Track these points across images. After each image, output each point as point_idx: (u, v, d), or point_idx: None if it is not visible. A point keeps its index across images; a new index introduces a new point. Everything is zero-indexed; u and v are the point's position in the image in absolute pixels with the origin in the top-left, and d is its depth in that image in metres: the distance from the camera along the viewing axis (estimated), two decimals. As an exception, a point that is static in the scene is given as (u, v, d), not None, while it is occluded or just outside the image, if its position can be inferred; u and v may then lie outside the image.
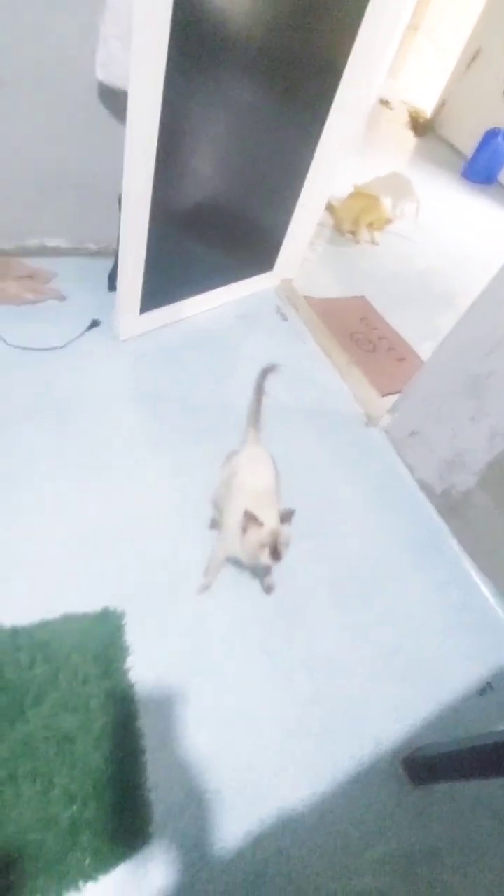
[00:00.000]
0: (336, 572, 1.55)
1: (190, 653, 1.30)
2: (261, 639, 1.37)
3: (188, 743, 1.18)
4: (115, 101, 1.82)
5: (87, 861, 1.01)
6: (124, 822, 1.06)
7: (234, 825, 1.10)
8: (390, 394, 2.11)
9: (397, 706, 1.34)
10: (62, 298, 2.03)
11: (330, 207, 3.20)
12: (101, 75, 1.71)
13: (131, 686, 1.21)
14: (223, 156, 1.84)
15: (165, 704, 1.21)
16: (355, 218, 3.23)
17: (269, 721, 1.25)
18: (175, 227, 1.84)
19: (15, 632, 1.22)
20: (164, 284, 1.95)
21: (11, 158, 1.86)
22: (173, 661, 1.28)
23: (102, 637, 1.27)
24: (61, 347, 1.84)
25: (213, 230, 2.05)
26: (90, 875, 1.00)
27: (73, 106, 1.82)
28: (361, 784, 1.20)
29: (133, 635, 1.28)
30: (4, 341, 1.78)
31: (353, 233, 3.26)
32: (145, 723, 1.17)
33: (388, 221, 3.32)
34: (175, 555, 1.46)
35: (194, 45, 1.41)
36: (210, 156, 1.80)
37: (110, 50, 1.64)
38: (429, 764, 1.21)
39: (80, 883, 0.99)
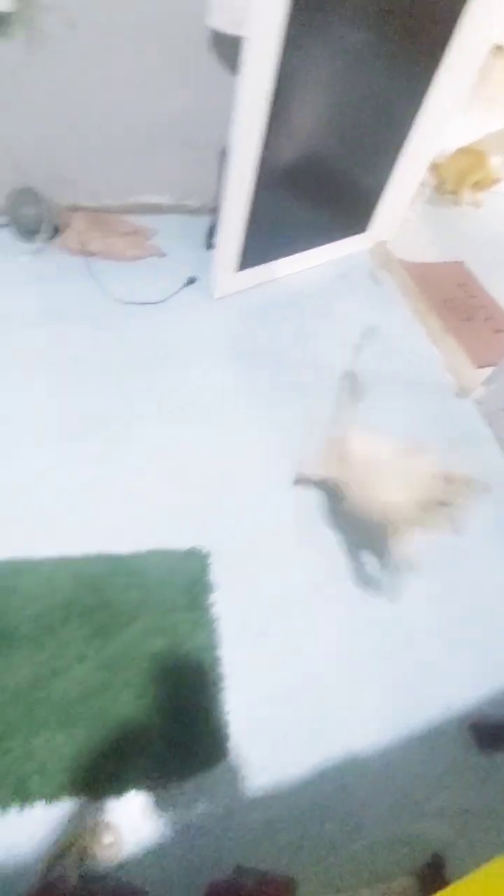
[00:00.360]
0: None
1: (269, 597, 1.37)
2: (338, 592, 1.41)
3: (263, 677, 1.26)
4: (223, 51, 1.81)
5: (170, 766, 1.13)
6: (203, 737, 1.16)
7: (302, 757, 1.18)
8: (485, 365, 2.01)
9: (472, 674, 1.34)
10: (162, 255, 2.10)
11: (432, 166, 3.01)
12: (214, 22, 1.70)
13: (213, 620, 1.31)
14: (330, 109, 1.79)
15: (244, 640, 1.30)
16: (459, 177, 3.01)
17: (341, 669, 1.30)
18: (276, 185, 1.83)
19: (112, 559, 1.35)
20: (260, 243, 1.96)
21: (119, 115, 1.91)
22: (253, 603, 1.35)
23: (189, 573, 1.37)
24: (160, 302, 1.92)
25: (311, 188, 2.01)
26: (172, 779, 1.11)
27: (180, 57, 1.82)
28: (428, 741, 1.23)
29: (217, 575, 1.37)
30: (108, 295, 1.88)
31: (455, 193, 3.06)
32: (224, 654, 1.27)
33: (496, 181, 3.08)
34: (260, 505, 1.52)
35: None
36: (317, 109, 1.76)
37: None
38: (497, 732, 1.22)
39: (164, 785, 1.11)
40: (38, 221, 1.91)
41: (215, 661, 1.25)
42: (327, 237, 2.25)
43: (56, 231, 1.98)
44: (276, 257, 2.09)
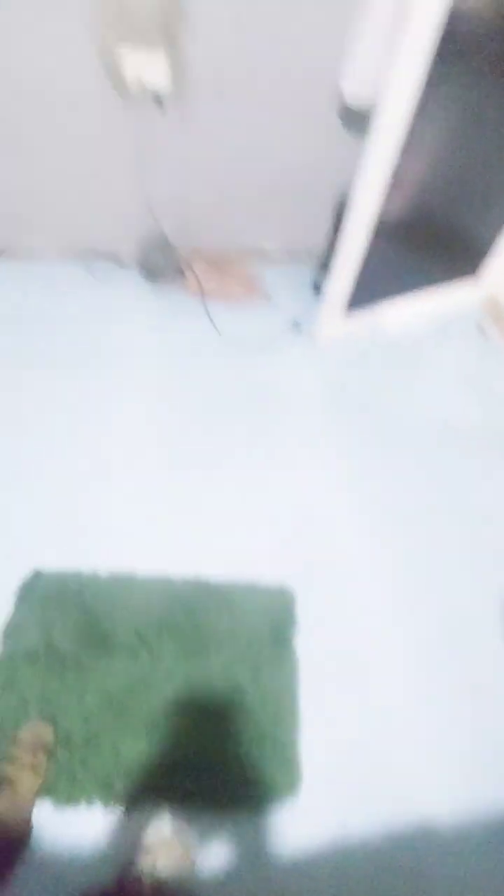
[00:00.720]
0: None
1: (350, 645, 1.39)
2: (418, 654, 1.40)
3: (339, 723, 1.28)
4: (349, 112, 1.92)
5: (242, 796, 1.18)
6: (278, 773, 1.20)
7: (374, 813, 1.18)
8: None
9: None
10: (269, 298, 2.22)
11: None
12: (346, 88, 1.81)
13: (296, 659, 1.35)
14: (451, 161, 1.82)
15: (323, 684, 1.32)
16: None
17: (421, 731, 1.28)
18: (389, 233, 1.88)
19: (207, 585, 1.44)
20: (366, 291, 2.02)
21: (244, 171, 2.07)
22: (335, 649, 1.38)
23: (276, 609, 1.42)
24: (264, 343, 2.04)
25: (424, 235, 2.05)
26: (244, 809, 1.16)
27: (307, 120, 1.95)
28: (508, 821, 1.18)
29: (301, 614, 1.41)
30: (219, 334, 2.03)
31: None
32: (305, 694, 1.30)
33: None
34: (346, 554, 1.55)
35: (453, 66, 1.44)
36: (439, 161, 1.80)
37: (360, 65, 1.72)
38: None
39: (235, 813, 1.16)
40: (165, 265, 2.11)
41: (294, 701, 1.29)
42: (435, 284, 2.26)
43: (179, 273, 2.18)
44: (380, 305, 2.14)
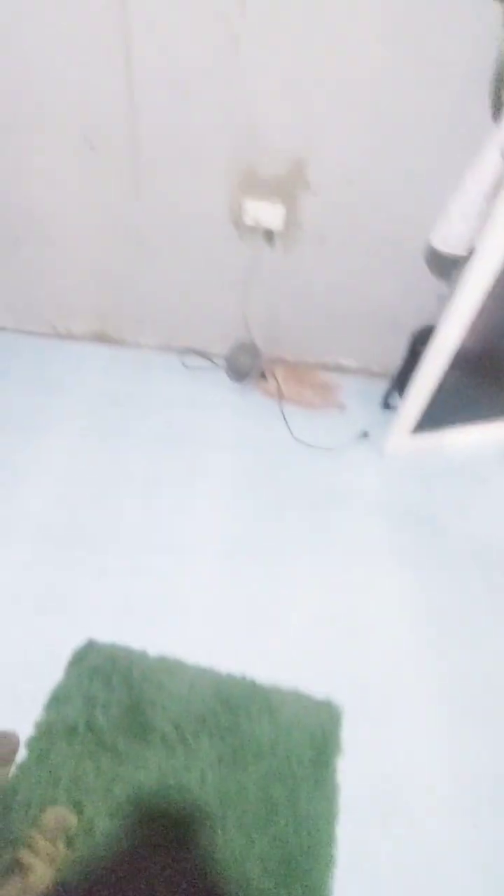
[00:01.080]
0: None
1: (393, 779, 1.29)
2: (469, 802, 1.27)
3: (380, 876, 1.15)
4: (436, 258, 2.14)
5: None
6: (304, 922, 1.09)
7: None
8: None
9: None
10: (342, 408, 2.36)
11: None
12: (436, 242, 2.04)
13: (337, 786, 1.26)
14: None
15: (363, 823, 1.22)
16: None
17: (466, 886, 1.14)
18: (461, 367, 2.01)
19: (252, 685, 1.41)
20: (436, 415, 2.11)
21: (333, 298, 2.31)
22: (380, 781, 1.29)
23: (321, 725, 1.36)
24: (333, 450, 2.13)
25: (493, 371, 2.15)
26: None
27: (396, 263, 2.19)
28: None
29: (347, 736, 1.34)
30: (291, 436, 2.16)
31: None
32: (342, 830, 1.20)
33: None
34: (402, 673, 1.49)
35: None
36: None
37: (452, 224, 1.95)
38: None
39: None
40: (250, 368, 2.32)
41: (331, 835, 1.19)
42: (501, 414, 2.33)
43: (262, 377, 2.37)
44: (450, 426, 2.21)
